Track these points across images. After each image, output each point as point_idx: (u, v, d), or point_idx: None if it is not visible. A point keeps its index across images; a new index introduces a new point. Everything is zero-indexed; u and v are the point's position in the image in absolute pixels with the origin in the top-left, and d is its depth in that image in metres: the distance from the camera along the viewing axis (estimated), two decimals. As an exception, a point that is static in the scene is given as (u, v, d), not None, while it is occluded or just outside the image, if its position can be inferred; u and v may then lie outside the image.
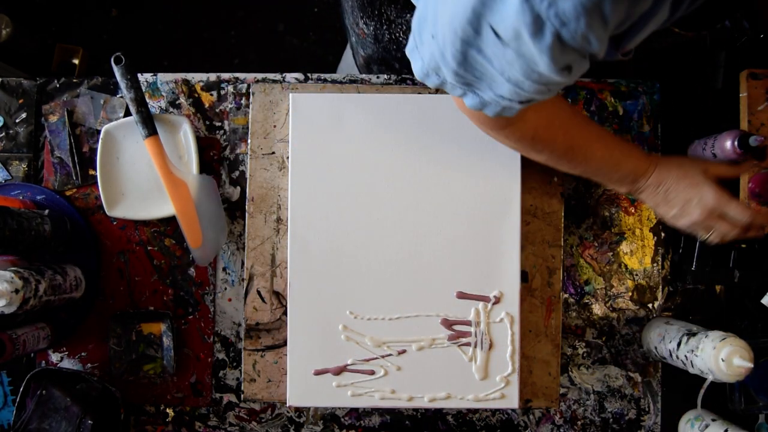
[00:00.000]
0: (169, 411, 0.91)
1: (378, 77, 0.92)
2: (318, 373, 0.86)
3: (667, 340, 0.83)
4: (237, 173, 0.92)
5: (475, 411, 0.91)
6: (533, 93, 0.52)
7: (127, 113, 0.91)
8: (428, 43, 0.52)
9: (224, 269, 0.91)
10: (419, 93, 0.89)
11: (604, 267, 0.91)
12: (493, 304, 0.86)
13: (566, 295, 0.91)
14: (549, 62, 0.45)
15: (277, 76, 0.92)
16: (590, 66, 0.50)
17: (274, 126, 0.90)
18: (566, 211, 0.91)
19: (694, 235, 0.79)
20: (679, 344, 0.80)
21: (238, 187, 0.91)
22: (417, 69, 0.57)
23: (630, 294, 0.91)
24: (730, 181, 0.89)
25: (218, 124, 0.92)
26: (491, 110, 0.57)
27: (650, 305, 0.91)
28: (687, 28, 0.65)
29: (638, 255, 0.91)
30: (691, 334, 0.79)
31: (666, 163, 0.76)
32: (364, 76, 0.92)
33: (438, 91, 0.90)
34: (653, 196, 0.77)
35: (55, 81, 0.92)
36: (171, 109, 0.92)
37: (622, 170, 0.75)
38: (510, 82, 0.51)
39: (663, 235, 0.91)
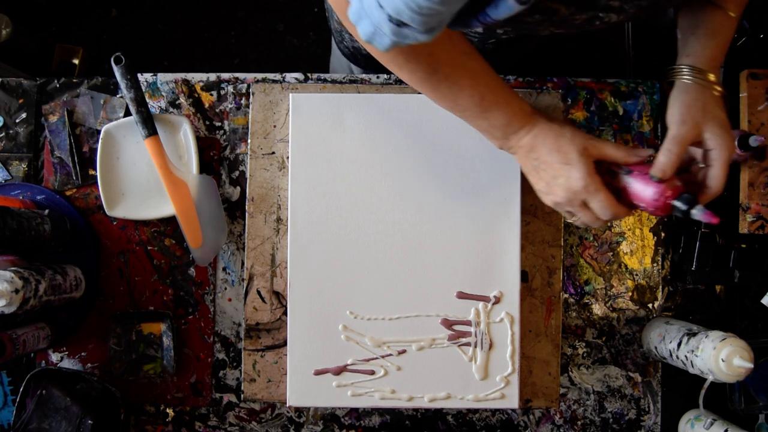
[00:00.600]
0: (169, 411, 0.91)
1: (378, 77, 0.92)
2: (318, 373, 0.86)
3: (667, 340, 0.83)
4: (237, 173, 0.92)
5: (475, 411, 0.91)
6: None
7: (127, 113, 0.91)
8: None
9: (224, 269, 0.91)
10: (419, 93, 0.89)
11: (604, 267, 0.91)
12: (493, 304, 0.86)
13: (566, 295, 0.91)
14: None
15: (277, 76, 0.92)
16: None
17: (274, 126, 0.90)
18: (566, 211, 0.91)
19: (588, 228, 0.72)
20: (679, 344, 0.80)
21: (238, 187, 0.91)
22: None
23: (630, 294, 0.91)
24: (730, 178, 0.90)
25: (218, 124, 0.92)
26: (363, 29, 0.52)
27: (650, 305, 0.91)
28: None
29: (638, 255, 0.91)
30: (691, 335, 0.79)
31: (546, 128, 0.67)
32: (363, 76, 0.92)
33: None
34: (525, 160, 0.69)
35: (55, 81, 0.92)
36: (171, 109, 0.92)
37: (491, 119, 0.67)
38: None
39: (663, 235, 0.91)
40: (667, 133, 0.65)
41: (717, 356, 0.74)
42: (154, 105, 0.92)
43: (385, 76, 0.92)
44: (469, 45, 0.66)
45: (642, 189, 0.63)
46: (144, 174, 0.89)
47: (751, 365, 0.72)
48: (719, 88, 0.66)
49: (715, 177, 0.65)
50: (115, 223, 0.91)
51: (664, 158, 0.63)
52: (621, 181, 0.65)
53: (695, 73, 0.66)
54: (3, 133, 0.92)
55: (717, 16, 0.67)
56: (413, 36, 0.49)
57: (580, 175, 0.64)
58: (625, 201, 0.66)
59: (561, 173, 0.65)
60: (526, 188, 0.88)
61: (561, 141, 0.66)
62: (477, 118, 0.68)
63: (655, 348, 0.86)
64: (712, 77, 0.66)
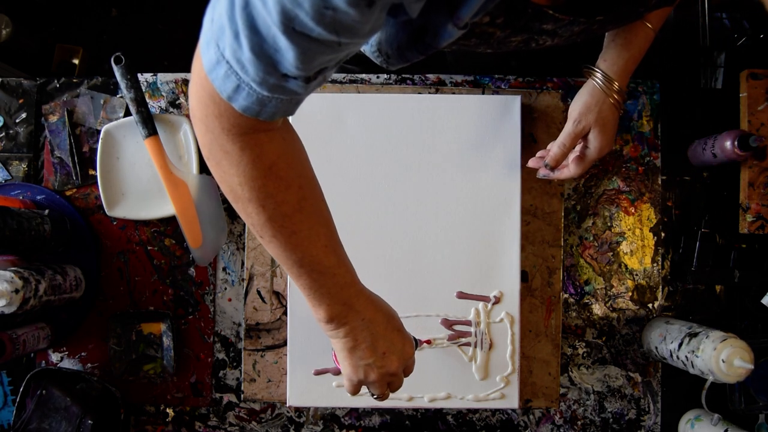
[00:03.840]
0: (169, 411, 0.91)
1: (378, 77, 0.92)
2: (318, 373, 0.86)
3: (668, 341, 0.83)
4: (237, 173, 0.91)
5: (475, 411, 0.91)
6: (325, 51, 0.42)
7: (127, 113, 0.91)
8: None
9: (224, 269, 0.91)
10: (419, 93, 0.89)
11: (604, 267, 0.91)
12: (493, 304, 0.86)
13: (566, 295, 0.91)
14: None
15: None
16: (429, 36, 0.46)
17: (274, 126, 0.90)
18: (566, 211, 0.91)
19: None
20: (680, 345, 0.80)
21: (238, 187, 0.91)
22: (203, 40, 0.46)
23: (630, 294, 0.91)
24: (731, 178, 0.90)
25: (218, 124, 0.92)
26: (269, 111, 0.47)
27: (650, 305, 0.91)
28: (567, 11, 0.56)
29: (638, 255, 0.91)
30: (692, 335, 0.79)
31: (375, 296, 0.65)
32: (363, 76, 0.92)
33: (438, 91, 0.90)
34: (361, 331, 0.62)
35: (55, 81, 0.92)
36: (171, 109, 0.92)
37: (338, 277, 0.60)
38: (295, 36, 0.40)
39: (663, 235, 0.91)
40: (565, 126, 0.76)
41: (717, 357, 0.74)
42: (154, 105, 0.92)
43: (385, 76, 0.92)
44: (322, 192, 0.60)
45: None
46: (144, 174, 0.89)
47: (751, 366, 0.72)
48: (618, 98, 0.74)
49: (577, 168, 0.78)
50: (115, 223, 0.91)
51: (558, 150, 0.77)
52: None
53: (605, 80, 0.73)
54: (3, 133, 0.92)
55: (636, 27, 0.72)
56: (295, 87, 0.45)
57: (412, 342, 0.67)
58: None
59: (397, 342, 0.64)
60: (526, 188, 0.88)
61: (388, 307, 0.65)
62: (324, 273, 0.59)
63: (656, 348, 0.86)
64: (616, 86, 0.73)
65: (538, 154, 0.83)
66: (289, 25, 0.39)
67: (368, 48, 0.60)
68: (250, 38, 0.41)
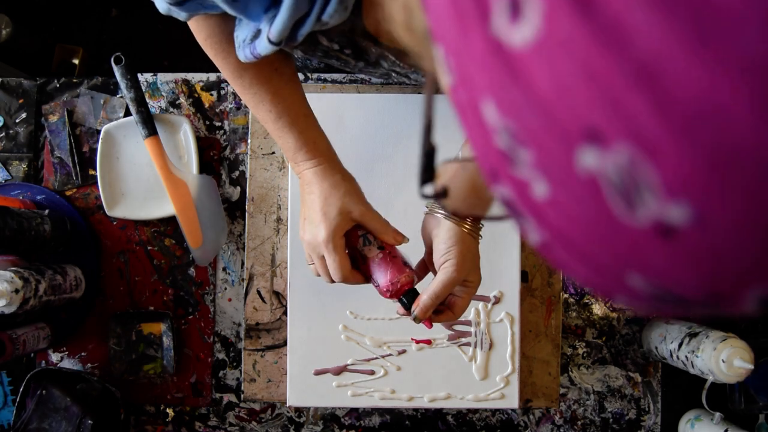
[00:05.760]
0: (169, 411, 0.91)
1: (378, 77, 0.92)
2: (318, 373, 0.86)
3: (668, 341, 0.83)
4: (237, 173, 0.92)
5: (475, 411, 0.91)
6: None
7: (127, 113, 0.91)
8: None
9: (224, 269, 0.91)
10: (419, 93, 0.89)
11: (604, 267, 0.91)
12: (493, 304, 0.86)
13: (566, 295, 0.91)
14: None
15: (277, 76, 0.92)
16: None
17: (274, 126, 0.90)
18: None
19: None
20: (680, 345, 0.80)
21: (238, 187, 0.91)
22: None
23: (630, 294, 0.91)
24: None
25: (218, 124, 0.92)
26: (159, 5, 0.56)
27: (650, 305, 0.91)
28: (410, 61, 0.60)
29: (638, 255, 0.91)
30: (692, 335, 0.79)
31: (329, 173, 0.67)
32: (363, 76, 0.92)
33: (438, 90, 0.90)
34: (302, 189, 0.69)
35: (55, 81, 0.92)
36: (171, 109, 0.92)
37: (284, 140, 0.68)
38: None
39: (663, 235, 0.91)
40: (440, 276, 0.62)
41: (717, 357, 0.74)
42: (154, 105, 0.92)
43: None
44: (285, 63, 0.66)
45: (380, 272, 0.65)
46: (144, 174, 0.89)
47: (751, 366, 0.72)
48: (478, 236, 0.65)
49: (460, 307, 0.65)
50: (115, 223, 0.91)
51: (429, 302, 0.62)
52: (369, 252, 0.66)
53: (470, 223, 0.64)
54: (3, 133, 0.92)
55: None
56: (171, 9, 0.54)
57: (327, 231, 0.64)
58: (363, 270, 0.67)
59: (315, 220, 0.65)
60: (526, 188, 0.88)
61: (333, 191, 0.66)
62: (273, 134, 0.69)
63: (656, 348, 0.85)
64: (476, 221, 0.65)
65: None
66: None
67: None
68: None
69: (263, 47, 0.52)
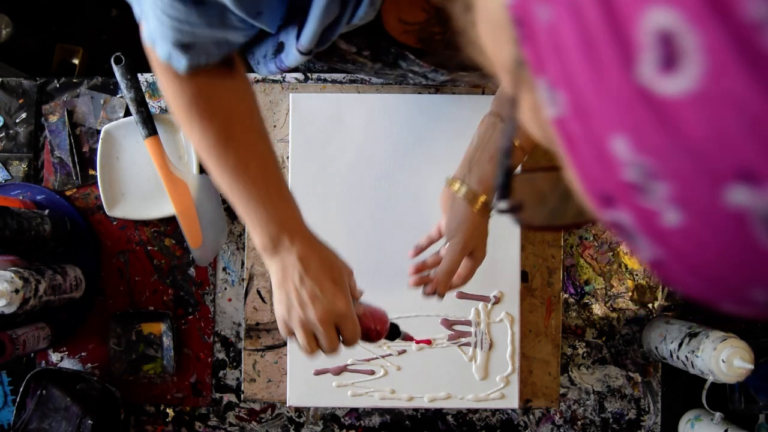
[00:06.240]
0: (169, 411, 0.91)
1: (393, 79, 0.92)
2: (318, 373, 0.86)
3: (668, 341, 0.83)
4: (237, 173, 0.91)
5: (475, 411, 0.91)
6: (175, 23, 0.47)
7: (127, 113, 0.91)
8: None
9: (224, 269, 0.91)
10: (419, 93, 0.89)
11: (604, 267, 0.91)
12: (493, 304, 0.86)
13: (566, 295, 0.91)
14: None
15: (277, 76, 0.92)
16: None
17: (274, 126, 0.90)
18: (566, 211, 0.91)
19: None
20: (680, 345, 0.80)
21: (238, 187, 0.91)
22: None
23: (630, 294, 0.91)
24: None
25: (218, 124, 0.92)
26: (160, 50, 0.53)
27: (650, 305, 0.91)
28: (430, 60, 0.58)
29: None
30: (692, 335, 0.79)
31: (316, 240, 0.64)
32: (363, 76, 0.92)
33: (438, 91, 0.90)
34: (288, 269, 0.62)
35: (55, 81, 0.92)
36: (171, 109, 0.92)
37: (270, 209, 0.61)
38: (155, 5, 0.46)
39: (663, 235, 0.91)
40: (448, 252, 0.71)
41: (717, 357, 0.74)
42: (154, 105, 0.92)
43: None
44: (265, 129, 0.62)
45: (367, 323, 0.66)
46: (144, 174, 0.89)
47: (751, 366, 0.72)
48: (488, 216, 0.71)
49: (464, 278, 0.74)
50: (115, 223, 0.91)
51: (444, 278, 0.71)
52: (358, 308, 0.66)
53: (481, 201, 0.69)
54: (3, 133, 0.92)
55: (514, 152, 0.68)
56: (172, 55, 0.51)
57: (346, 298, 0.62)
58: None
59: (326, 291, 0.60)
60: (526, 188, 0.88)
61: (333, 259, 0.64)
62: (256, 203, 0.61)
63: (656, 348, 0.85)
64: (483, 199, 0.69)
65: (413, 271, 0.76)
66: None
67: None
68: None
69: (293, 59, 0.51)
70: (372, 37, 0.56)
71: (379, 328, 0.67)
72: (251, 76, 0.92)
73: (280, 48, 0.53)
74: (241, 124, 0.60)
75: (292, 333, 0.62)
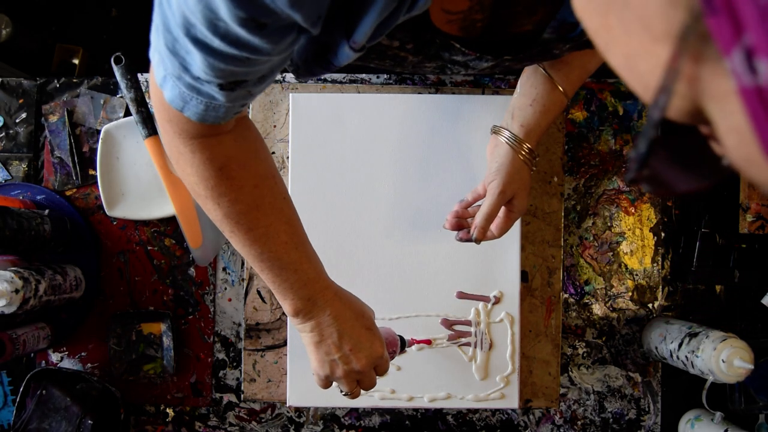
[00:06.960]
0: (169, 411, 0.91)
1: (378, 77, 0.92)
2: (318, 373, 0.86)
3: (668, 341, 0.83)
4: (237, 173, 0.91)
5: (475, 411, 0.91)
6: (229, 63, 0.43)
7: (127, 113, 0.91)
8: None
9: (224, 269, 0.91)
10: (419, 93, 0.89)
11: (604, 267, 0.91)
12: (493, 304, 0.86)
13: (566, 295, 0.91)
14: (228, 6, 0.38)
15: (277, 76, 0.92)
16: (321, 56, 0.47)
17: (274, 126, 0.90)
18: (566, 211, 0.91)
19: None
20: (680, 345, 0.80)
21: (238, 187, 0.91)
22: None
23: (630, 294, 0.91)
24: (731, 178, 0.90)
25: (218, 124, 0.92)
26: (192, 109, 0.48)
27: (650, 305, 0.91)
28: (475, 47, 0.56)
29: (638, 255, 0.91)
30: (692, 335, 0.79)
31: (342, 291, 0.66)
32: (363, 75, 0.92)
33: (438, 91, 0.90)
34: (326, 328, 0.63)
35: (55, 81, 0.92)
36: (171, 109, 0.92)
37: (300, 272, 0.60)
38: (197, 43, 0.42)
39: (663, 235, 0.91)
40: (487, 197, 0.72)
41: (717, 357, 0.74)
42: (154, 105, 0.92)
43: (385, 76, 0.92)
44: (285, 187, 0.62)
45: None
46: (144, 174, 0.89)
47: (751, 366, 0.72)
48: (532, 160, 0.72)
49: (502, 231, 0.75)
50: (115, 223, 0.91)
51: (486, 223, 0.72)
52: None
53: (524, 147, 0.71)
54: (3, 133, 0.92)
55: (555, 95, 0.71)
56: (211, 92, 0.46)
57: (381, 341, 0.66)
58: None
59: (363, 340, 0.63)
60: (526, 188, 0.88)
61: (361, 306, 0.66)
62: (287, 270, 0.60)
63: (656, 348, 0.86)
64: (532, 150, 0.72)
65: (453, 215, 0.77)
66: (190, 31, 0.41)
67: None
68: (165, 35, 0.43)
69: (345, 57, 0.48)
70: (416, 30, 0.55)
71: (394, 350, 0.73)
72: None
73: (325, 49, 0.50)
74: (269, 189, 0.59)
75: (330, 385, 0.66)
